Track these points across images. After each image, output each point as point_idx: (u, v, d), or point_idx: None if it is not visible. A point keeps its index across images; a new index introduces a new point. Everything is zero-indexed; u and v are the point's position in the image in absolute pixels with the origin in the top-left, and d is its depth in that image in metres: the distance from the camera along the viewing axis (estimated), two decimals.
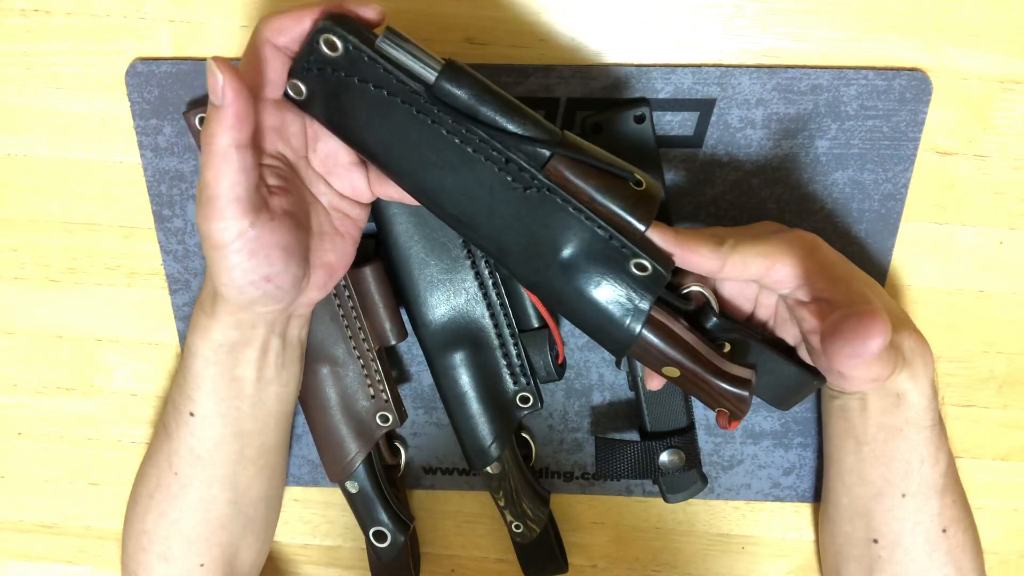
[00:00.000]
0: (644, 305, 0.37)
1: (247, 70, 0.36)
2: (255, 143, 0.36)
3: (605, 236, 0.36)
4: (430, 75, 0.35)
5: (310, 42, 0.35)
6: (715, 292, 0.43)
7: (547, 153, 0.36)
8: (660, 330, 0.39)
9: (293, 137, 0.39)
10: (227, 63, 0.33)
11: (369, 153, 0.38)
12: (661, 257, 0.37)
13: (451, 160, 0.36)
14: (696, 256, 0.38)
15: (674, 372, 0.40)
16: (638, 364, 0.49)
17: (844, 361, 0.36)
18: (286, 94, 0.37)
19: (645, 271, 0.37)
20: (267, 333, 0.42)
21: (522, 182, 0.36)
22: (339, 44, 0.35)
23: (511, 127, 0.36)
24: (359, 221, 0.42)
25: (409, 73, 0.35)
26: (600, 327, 0.38)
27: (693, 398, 0.50)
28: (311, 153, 0.40)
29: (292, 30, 0.35)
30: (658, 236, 0.38)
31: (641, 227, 0.36)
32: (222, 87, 0.32)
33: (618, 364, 0.52)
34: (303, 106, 0.37)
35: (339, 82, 0.36)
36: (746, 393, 0.40)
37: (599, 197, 0.36)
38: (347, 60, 0.35)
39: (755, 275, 0.39)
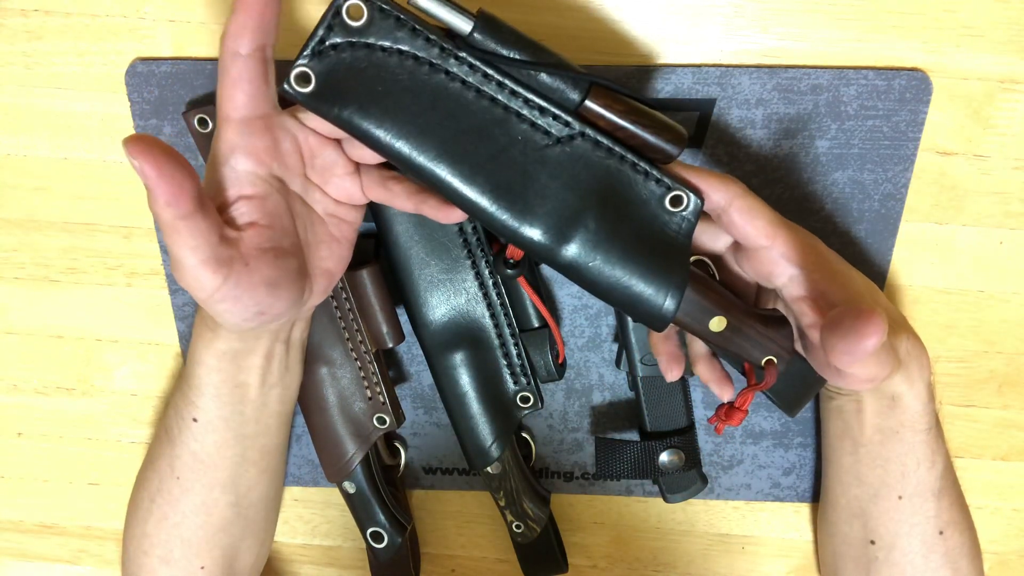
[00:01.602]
0: (684, 239, 0.38)
1: (222, 94, 0.34)
2: (220, 188, 0.35)
3: (640, 174, 0.37)
4: (466, 25, 0.35)
5: (330, 15, 0.34)
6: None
7: (578, 98, 0.36)
8: (697, 279, 0.39)
9: (287, 155, 0.37)
10: (140, 141, 0.30)
11: (387, 143, 0.36)
12: (693, 188, 0.38)
13: (479, 125, 0.36)
14: (708, 186, 0.38)
15: (721, 323, 0.40)
16: (638, 364, 0.50)
17: (840, 358, 0.36)
18: (286, 91, 0.35)
19: (680, 204, 0.38)
20: (271, 341, 0.42)
21: (554, 135, 0.36)
22: (364, 9, 0.34)
23: (551, 62, 0.36)
24: (354, 224, 0.42)
25: (441, 27, 0.35)
26: (645, 285, 0.38)
27: (726, 361, 0.48)
28: (309, 169, 0.39)
29: (248, 22, 0.33)
30: (676, 169, 0.39)
31: (675, 150, 0.37)
32: (141, 171, 0.30)
33: (618, 363, 0.52)
34: (308, 101, 0.35)
35: (358, 58, 0.35)
36: (788, 328, 0.41)
37: (631, 126, 0.36)
38: (371, 27, 0.34)
39: (755, 236, 0.39)
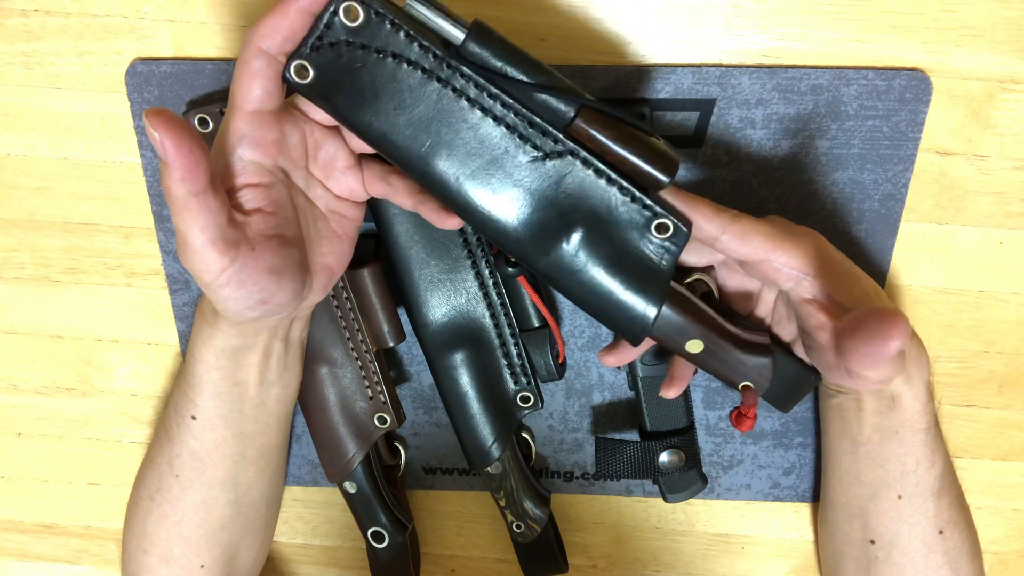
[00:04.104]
0: (667, 265, 0.38)
1: (239, 85, 0.35)
2: (227, 175, 0.35)
3: (627, 196, 0.37)
4: (459, 34, 0.35)
5: (328, 14, 0.34)
6: (717, 285, 0.43)
7: (570, 115, 0.36)
8: (680, 302, 0.39)
9: (293, 148, 0.37)
10: (162, 115, 0.31)
11: (379, 138, 0.36)
12: (680, 216, 0.38)
13: (470, 133, 0.36)
14: (698, 215, 0.38)
15: (698, 346, 0.40)
16: (638, 364, 0.50)
17: (861, 360, 0.35)
18: (287, 79, 0.36)
19: (666, 231, 0.37)
20: (269, 338, 0.42)
21: (544, 149, 0.36)
22: (360, 12, 0.34)
23: (541, 81, 0.35)
24: (356, 221, 0.42)
25: (435, 35, 0.35)
26: (621, 304, 0.38)
27: (717, 380, 0.49)
28: (311, 162, 0.39)
29: (282, 27, 0.34)
30: (667, 194, 0.38)
31: (664, 179, 0.36)
32: (161, 143, 0.31)
33: None
34: (307, 91, 0.36)
35: (354, 57, 0.35)
36: (768, 360, 0.41)
37: (622, 151, 0.36)
38: (367, 29, 0.35)
39: (753, 253, 0.39)
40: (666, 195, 0.38)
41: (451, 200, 0.37)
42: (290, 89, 0.37)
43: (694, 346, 0.40)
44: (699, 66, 0.45)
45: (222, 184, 0.35)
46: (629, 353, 0.45)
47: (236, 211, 0.35)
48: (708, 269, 0.44)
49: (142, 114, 0.31)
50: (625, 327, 0.39)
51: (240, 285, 0.35)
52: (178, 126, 0.31)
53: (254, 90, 0.35)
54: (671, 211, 0.37)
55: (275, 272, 0.36)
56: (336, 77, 0.35)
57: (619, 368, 0.52)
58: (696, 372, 0.48)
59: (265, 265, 0.36)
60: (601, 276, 0.38)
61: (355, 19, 0.34)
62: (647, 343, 0.45)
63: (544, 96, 0.36)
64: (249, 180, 0.36)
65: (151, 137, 0.31)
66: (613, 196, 0.37)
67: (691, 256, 0.43)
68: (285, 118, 0.37)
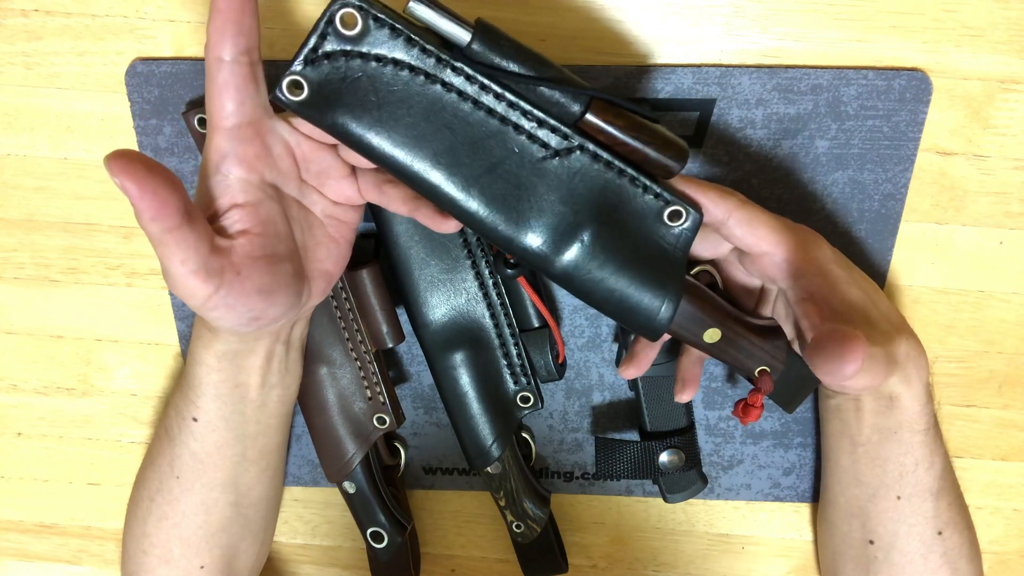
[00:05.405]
0: (681, 254, 0.38)
1: (211, 102, 0.34)
2: (213, 196, 0.35)
3: (639, 187, 0.37)
4: (464, 35, 0.34)
5: (323, 23, 0.33)
6: (721, 278, 0.44)
7: (579, 109, 0.35)
8: (694, 292, 0.40)
9: (279, 159, 0.36)
10: (121, 157, 0.29)
11: (382, 154, 0.35)
12: (690, 201, 0.38)
13: (476, 137, 0.35)
14: (705, 199, 0.38)
15: (716, 335, 0.40)
16: None
17: (823, 375, 0.36)
18: (278, 98, 0.34)
19: (679, 219, 0.37)
20: (271, 342, 0.42)
21: (552, 148, 0.36)
22: (358, 18, 0.33)
23: (551, 76, 0.35)
24: (353, 224, 0.42)
25: (437, 38, 0.34)
26: (640, 298, 0.38)
27: (730, 368, 0.49)
28: (304, 172, 0.38)
29: (224, 26, 0.32)
30: (673, 181, 0.38)
31: (677, 165, 0.36)
32: (123, 188, 0.29)
33: (618, 363, 0.52)
34: (301, 109, 0.34)
35: (352, 68, 0.34)
36: (782, 341, 0.41)
37: (633, 141, 0.36)
38: (365, 37, 0.33)
39: (757, 244, 0.39)
40: (673, 182, 0.38)
41: (461, 213, 0.36)
42: (280, 108, 0.36)
43: (712, 335, 0.40)
44: (699, 66, 0.45)
45: (207, 207, 0.35)
46: (647, 357, 0.45)
47: (220, 235, 0.34)
48: (711, 263, 0.44)
49: (103, 159, 0.30)
50: (644, 321, 0.38)
51: (229, 308, 0.35)
52: (138, 167, 0.29)
53: (226, 104, 0.34)
54: (681, 197, 0.37)
55: (264, 291, 0.36)
56: (333, 90, 0.34)
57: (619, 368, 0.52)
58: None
59: (253, 286, 0.35)
60: (618, 271, 0.37)
61: (353, 27, 0.33)
62: (663, 339, 0.45)
63: (552, 93, 0.35)
64: (235, 199, 0.35)
65: (114, 182, 0.30)
66: (624, 187, 0.37)
67: (695, 247, 0.43)
68: (266, 129, 0.36)
